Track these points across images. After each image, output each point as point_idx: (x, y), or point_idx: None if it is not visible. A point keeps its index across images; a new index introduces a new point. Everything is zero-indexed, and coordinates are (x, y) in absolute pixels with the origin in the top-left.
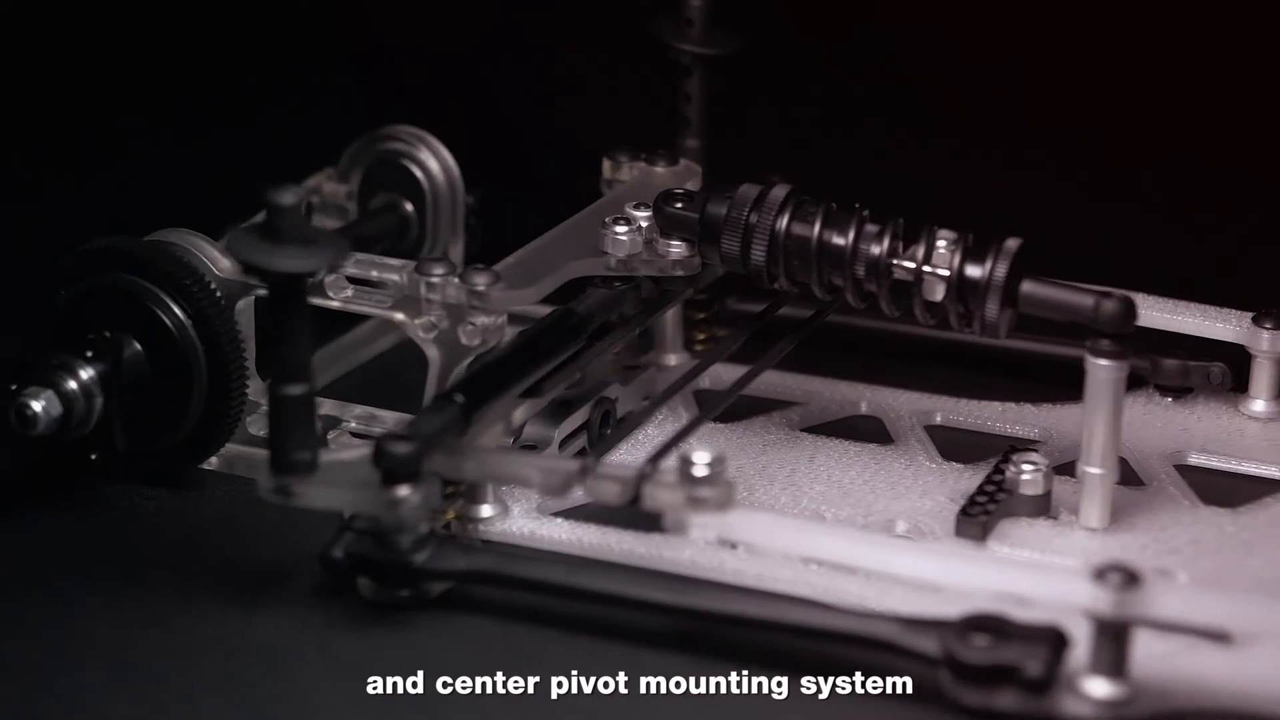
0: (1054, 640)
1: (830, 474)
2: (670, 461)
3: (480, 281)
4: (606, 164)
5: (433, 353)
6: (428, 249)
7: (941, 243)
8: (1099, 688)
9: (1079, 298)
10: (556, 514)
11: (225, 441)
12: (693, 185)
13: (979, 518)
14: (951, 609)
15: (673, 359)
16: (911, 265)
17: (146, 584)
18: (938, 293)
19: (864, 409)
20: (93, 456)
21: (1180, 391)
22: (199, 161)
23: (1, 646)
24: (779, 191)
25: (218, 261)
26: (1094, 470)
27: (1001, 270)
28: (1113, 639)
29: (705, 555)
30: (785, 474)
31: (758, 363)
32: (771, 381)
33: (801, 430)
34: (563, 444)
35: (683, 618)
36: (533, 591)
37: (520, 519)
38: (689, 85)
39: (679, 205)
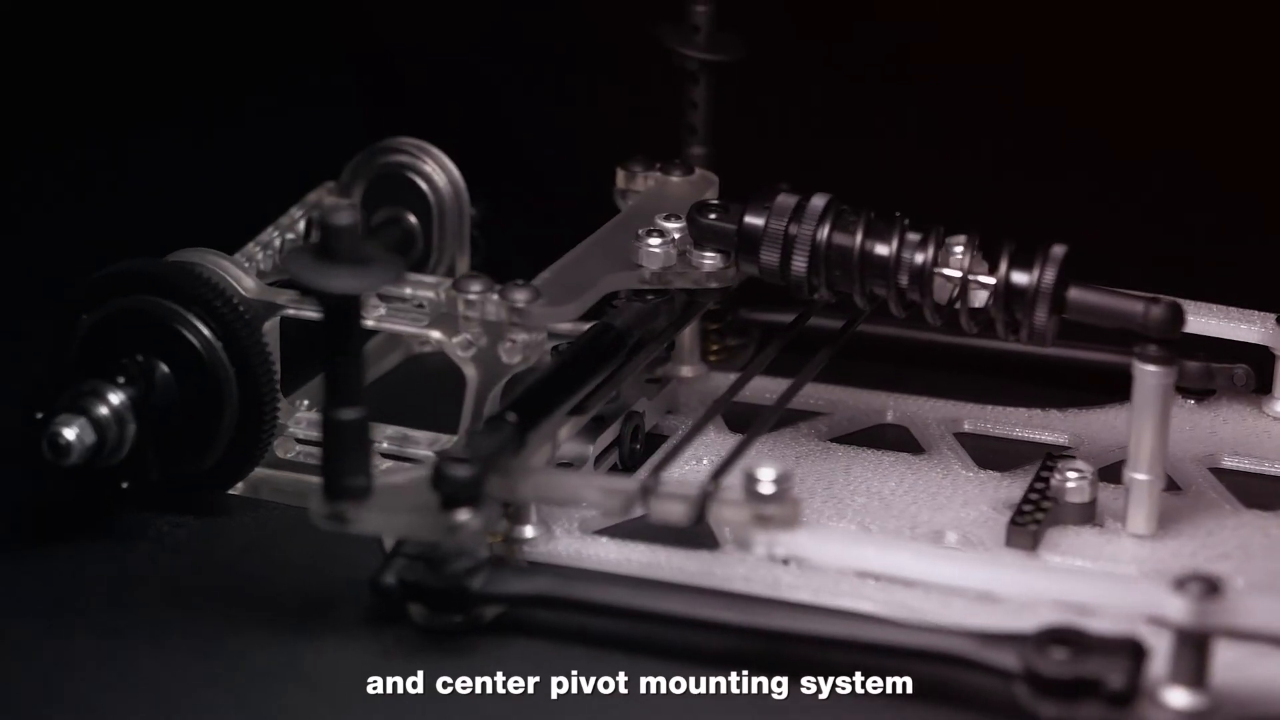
0: (1134, 651)
1: (869, 485)
2: (733, 478)
3: (520, 298)
4: (621, 174)
5: (471, 371)
6: (433, 263)
7: (977, 250)
8: (1180, 698)
9: (1127, 304)
10: (598, 532)
11: (255, 465)
12: (711, 194)
13: (1029, 527)
14: (1014, 621)
15: (688, 370)
16: (957, 274)
17: (190, 614)
18: (984, 300)
19: (890, 418)
20: (124, 485)
21: (1202, 394)
22: (198, 176)
23: (50, 681)
24: (818, 201)
25: (242, 281)
26: (1141, 476)
27: (1050, 277)
28: (1194, 649)
29: (759, 571)
30: (824, 487)
31: (799, 375)
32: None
33: (830, 441)
34: (596, 460)
35: (753, 638)
36: (595, 614)
37: (564, 539)
38: (695, 92)
39: (713, 216)
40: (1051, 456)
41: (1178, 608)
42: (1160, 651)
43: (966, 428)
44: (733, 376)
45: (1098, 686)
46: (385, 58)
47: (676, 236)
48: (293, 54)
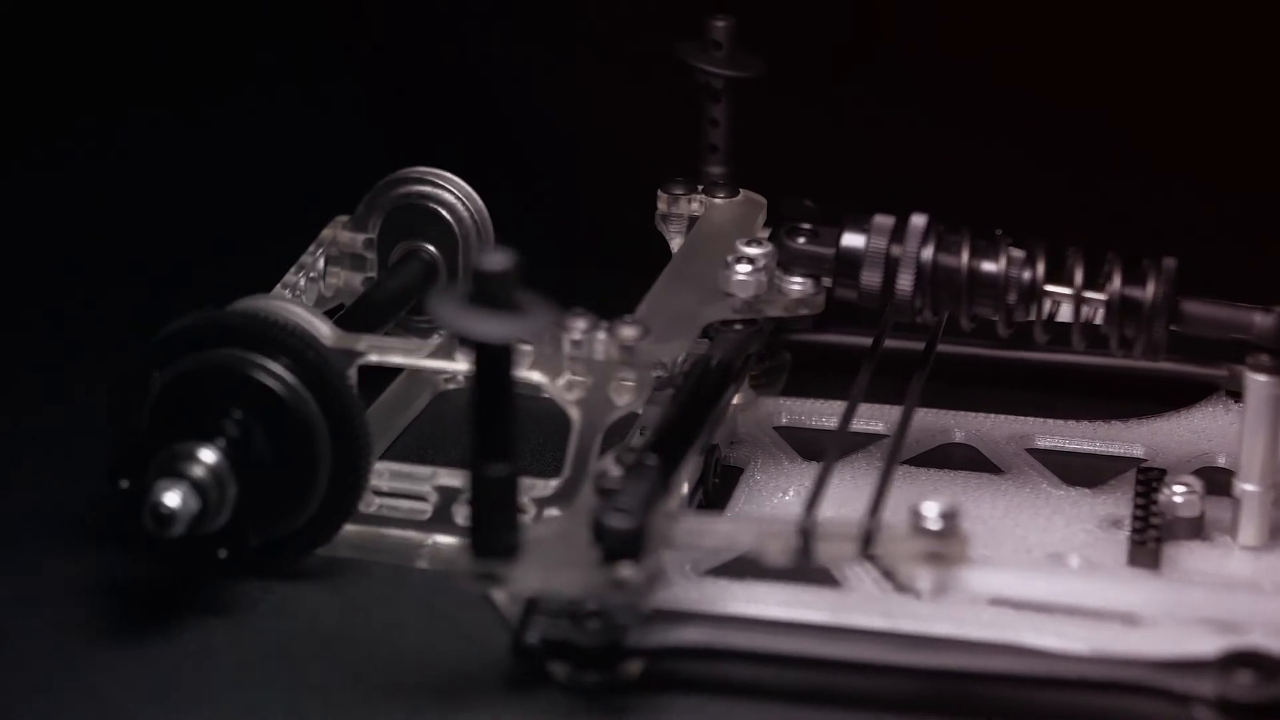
0: None
1: (965, 509)
2: (895, 515)
3: (630, 335)
4: (663, 198)
5: (576, 414)
6: None
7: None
8: None
9: (1241, 314)
10: (708, 573)
11: (347, 523)
12: (761, 216)
13: (1149, 545)
14: (1159, 645)
15: (737, 397)
16: (1069, 290)
17: (323, 691)
18: (1098, 316)
19: (959, 437)
20: (221, 554)
21: None
22: (209, 208)
23: None
24: (919, 220)
25: (318, 328)
26: (1252, 488)
27: (1167, 290)
28: None
29: (895, 607)
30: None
31: (906, 402)
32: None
33: (904, 463)
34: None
35: (933, 681)
36: (759, 663)
37: (683, 583)
38: (716, 110)
39: (803, 240)
40: (1143, 470)
41: None
42: None
43: (1039, 444)
44: (783, 401)
45: None
46: (379, 73)
47: (763, 263)
48: (284, 70)
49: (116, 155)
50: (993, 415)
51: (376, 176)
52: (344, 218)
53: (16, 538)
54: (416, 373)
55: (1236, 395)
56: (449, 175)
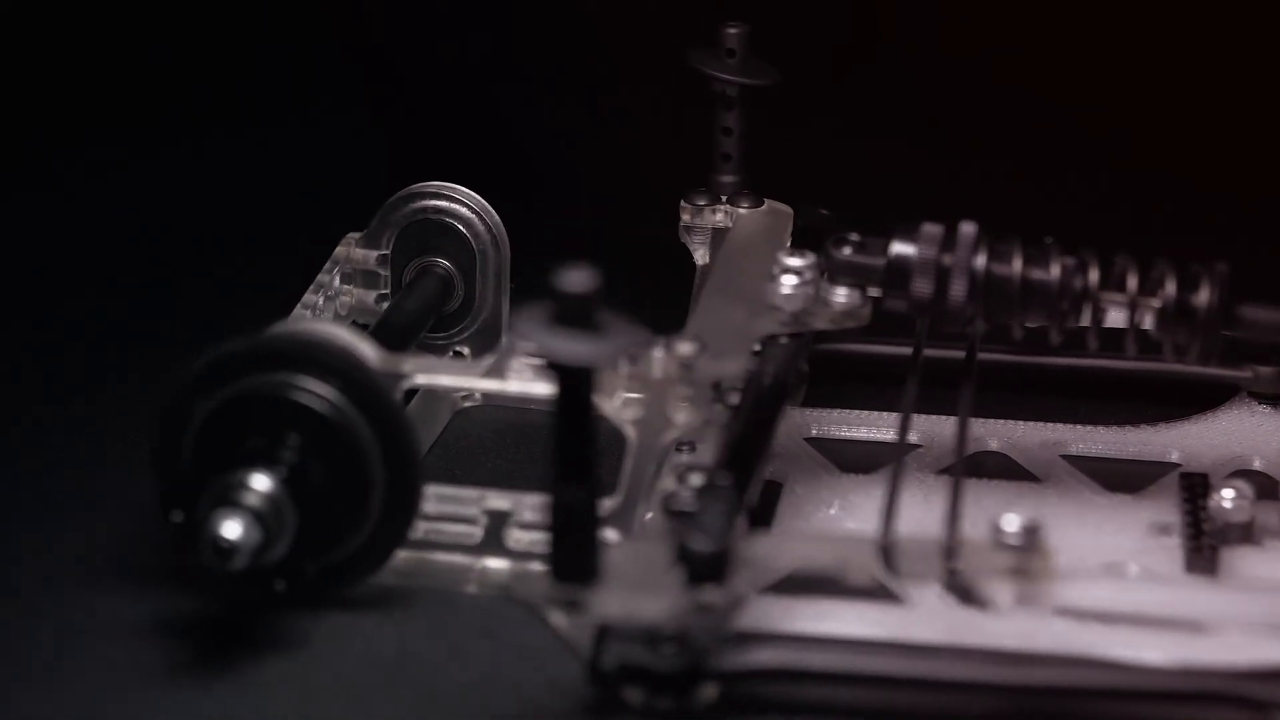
0: None
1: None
2: (976, 530)
3: (688, 352)
4: (687, 209)
5: (632, 434)
6: (474, 314)
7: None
8: None
9: None
10: (764, 591)
11: (398, 550)
12: (789, 227)
13: (1205, 552)
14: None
15: None
16: (1123, 297)
17: None
18: (1145, 322)
19: (993, 445)
20: (278, 586)
21: (1276, 399)
22: (214, 225)
23: None
24: (968, 228)
25: (363, 351)
26: None
27: (1223, 296)
28: None
29: (972, 622)
30: (970, 525)
31: (960, 413)
32: (880, 423)
33: (939, 473)
34: None
35: (1012, 695)
36: (834, 683)
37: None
38: (730, 118)
39: (849, 251)
40: (1185, 476)
41: None
42: None
43: (1073, 450)
44: (810, 412)
45: None
46: (384, 87)
47: (809, 275)
48: (287, 81)
49: (120, 171)
50: (1023, 422)
51: (383, 191)
52: (356, 234)
53: (63, 574)
54: (434, 391)
55: (1260, 397)
56: (463, 189)
